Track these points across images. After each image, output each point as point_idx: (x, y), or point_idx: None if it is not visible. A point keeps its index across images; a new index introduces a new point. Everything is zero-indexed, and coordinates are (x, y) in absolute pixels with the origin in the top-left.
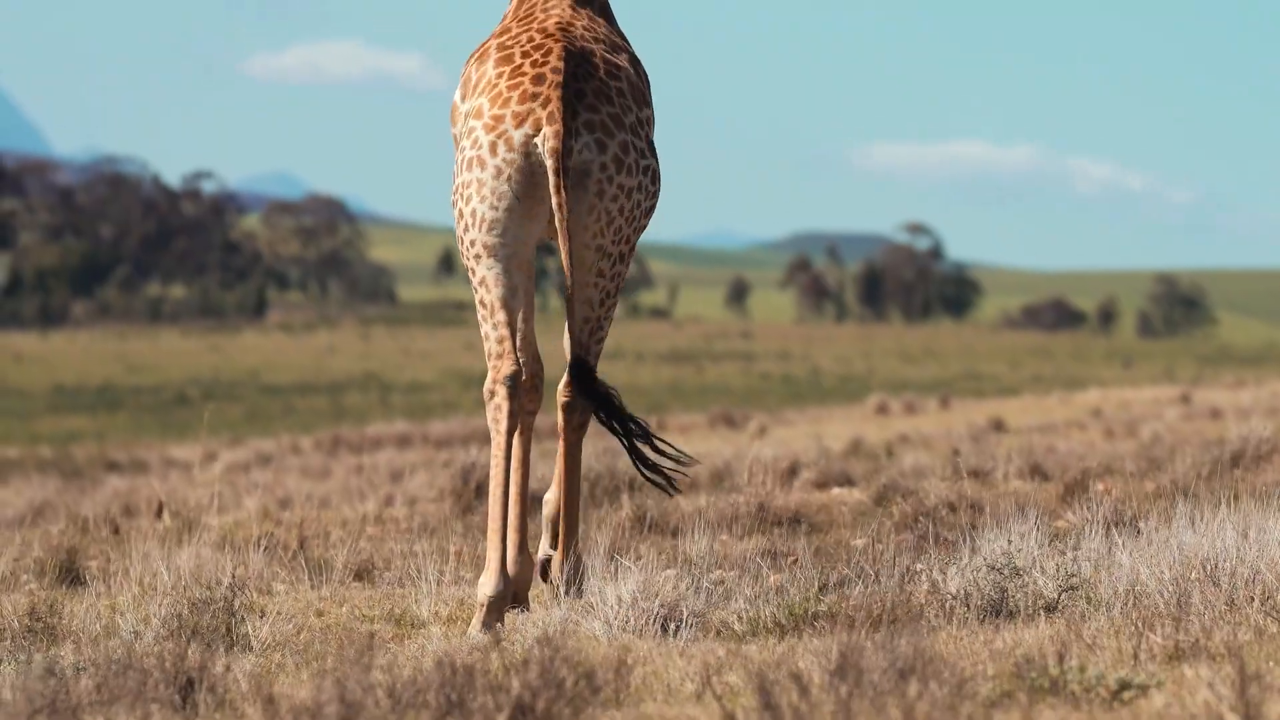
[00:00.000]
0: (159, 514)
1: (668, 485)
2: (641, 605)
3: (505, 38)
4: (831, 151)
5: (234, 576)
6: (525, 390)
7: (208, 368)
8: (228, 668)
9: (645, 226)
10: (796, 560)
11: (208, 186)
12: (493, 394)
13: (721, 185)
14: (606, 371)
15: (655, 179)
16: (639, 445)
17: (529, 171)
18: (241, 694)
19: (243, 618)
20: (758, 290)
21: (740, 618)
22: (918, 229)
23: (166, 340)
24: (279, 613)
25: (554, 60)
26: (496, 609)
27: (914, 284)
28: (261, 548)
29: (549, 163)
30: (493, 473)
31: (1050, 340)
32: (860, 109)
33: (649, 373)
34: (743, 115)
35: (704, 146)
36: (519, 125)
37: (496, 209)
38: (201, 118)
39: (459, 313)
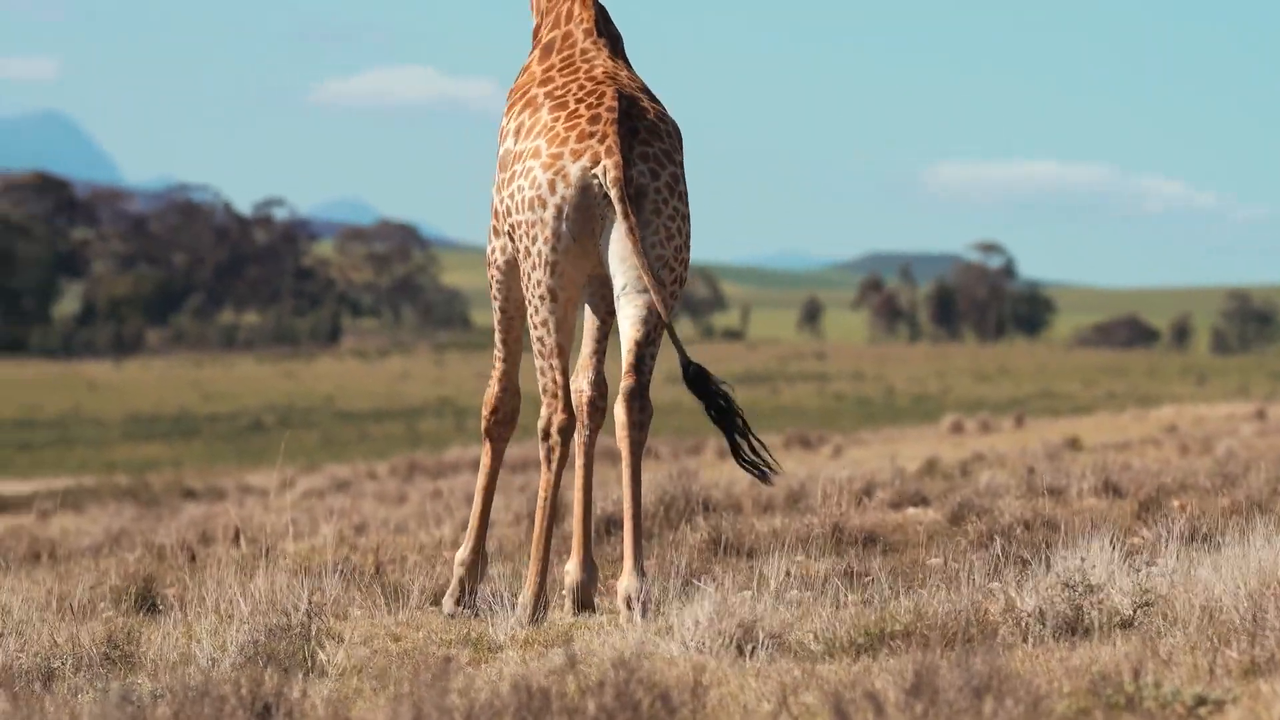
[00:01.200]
0: (235, 541)
1: (764, 474)
2: (717, 626)
3: (552, 87)
4: (903, 172)
5: (310, 602)
6: (587, 416)
7: (282, 395)
8: (304, 693)
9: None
10: (873, 580)
11: (279, 213)
12: (547, 435)
13: (794, 207)
14: (680, 394)
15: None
16: (739, 440)
17: (585, 208)
18: (318, 719)
19: (319, 643)
20: (831, 311)
21: (816, 638)
22: (990, 248)
23: (241, 367)
24: (355, 638)
25: (608, 100)
26: (531, 610)
27: (987, 303)
28: (338, 573)
29: (613, 192)
30: (544, 508)
31: (1124, 358)
32: (931, 130)
33: None
34: (814, 137)
35: (776, 168)
36: (576, 160)
37: (556, 250)
38: (272, 145)
39: None
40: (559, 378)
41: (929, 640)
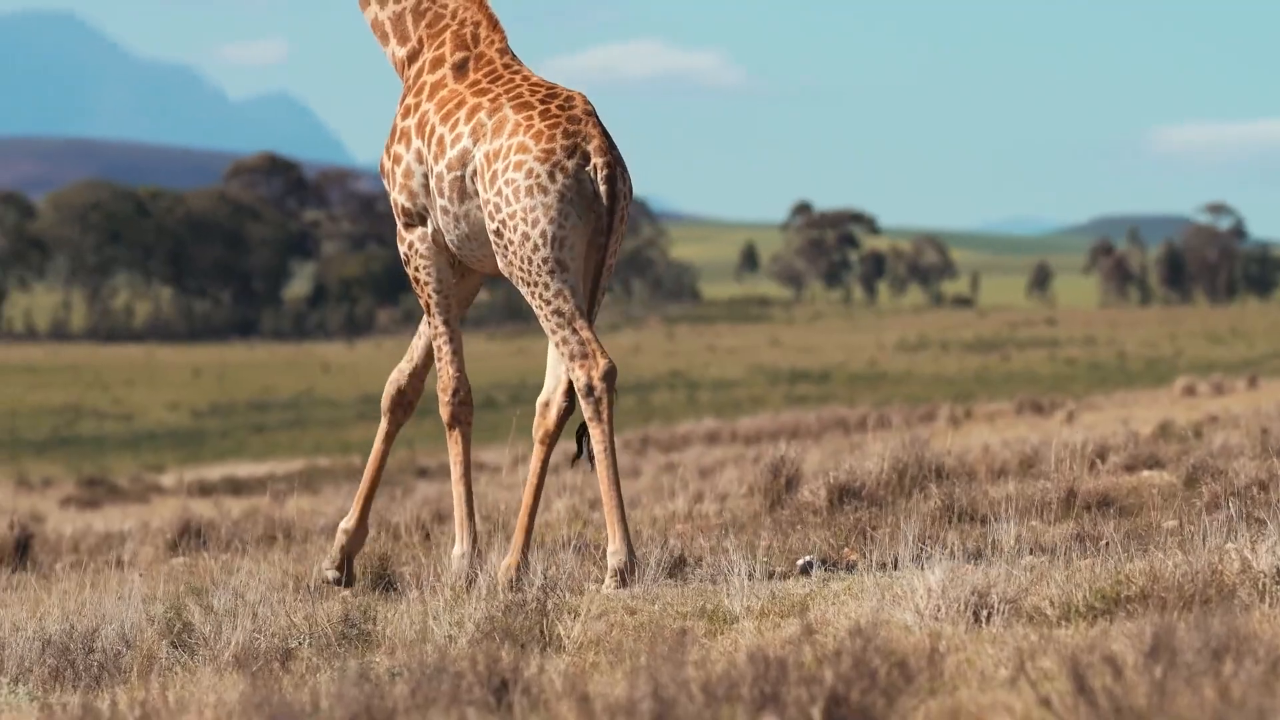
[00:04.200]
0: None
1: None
2: (952, 593)
3: (495, 94)
4: (1131, 134)
5: (545, 578)
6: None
7: (513, 371)
8: (541, 668)
9: None
10: (1107, 544)
11: None
12: (591, 389)
13: (1022, 172)
14: (912, 361)
15: None
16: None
17: (581, 194)
18: (555, 694)
19: (555, 618)
20: (1061, 276)
21: (1052, 603)
22: (1219, 209)
23: (472, 345)
24: (591, 612)
25: (580, 103)
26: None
27: (1217, 264)
28: (572, 548)
29: (604, 188)
30: (606, 460)
31: None
32: (1158, 91)
33: (954, 362)
34: (1042, 101)
35: (1004, 134)
36: (570, 156)
37: (564, 227)
38: None
39: (763, 309)
40: (585, 335)
41: (1165, 602)
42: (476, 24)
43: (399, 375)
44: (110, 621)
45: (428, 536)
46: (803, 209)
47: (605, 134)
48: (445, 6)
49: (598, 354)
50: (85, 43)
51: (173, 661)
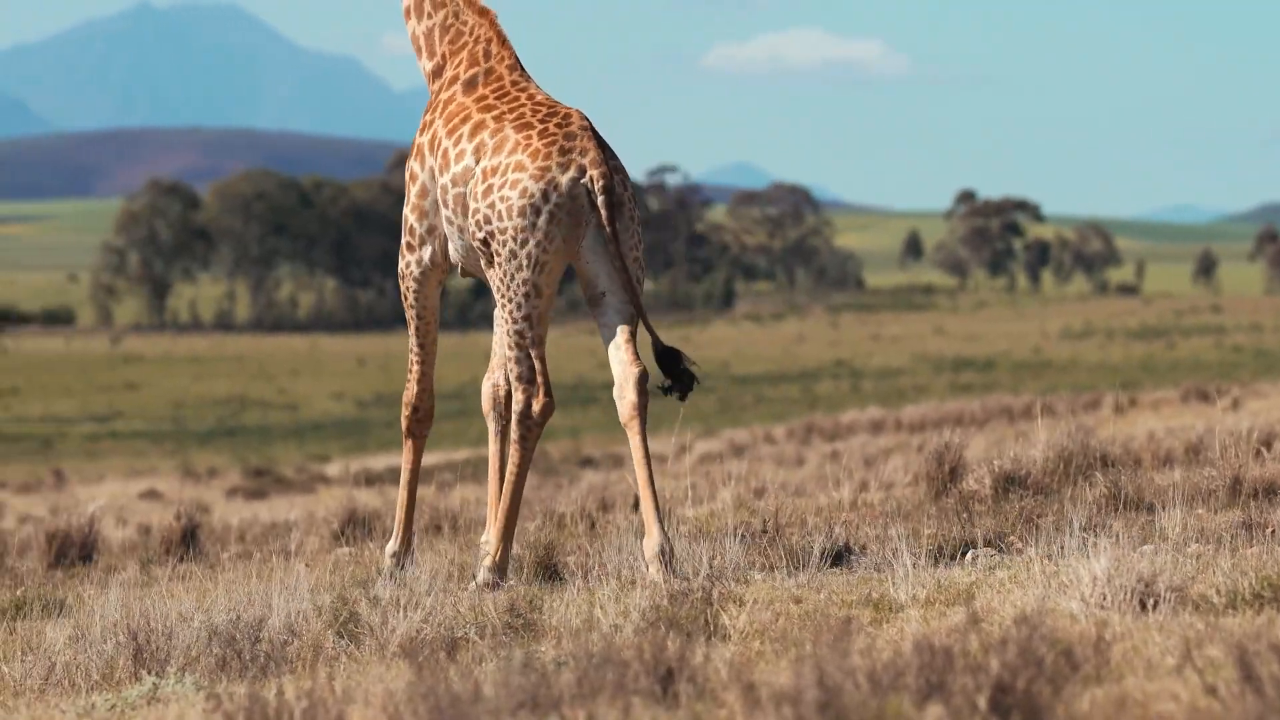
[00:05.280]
0: (634, 508)
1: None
2: (1118, 581)
3: (499, 111)
4: None
5: (711, 567)
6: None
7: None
8: (707, 657)
9: None
10: (1274, 532)
11: (671, 180)
12: (528, 415)
13: (1187, 159)
14: (1077, 349)
15: None
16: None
17: (574, 212)
18: (721, 683)
19: (721, 607)
20: (1226, 263)
21: (1218, 591)
22: None
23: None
24: (756, 601)
25: (577, 120)
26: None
27: None
28: (737, 537)
29: (601, 199)
30: (516, 479)
31: None
32: None
33: (1119, 350)
34: (1207, 89)
35: (1169, 121)
36: (565, 171)
37: (547, 252)
38: (664, 112)
39: (927, 297)
40: (538, 365)
41: None
42: (488, 40)
43: (494, 376)
44: (276, 611)
45: (593, 525)
46: (966, 197)
47: (601, 146)
48: (465, 24)
49: (543, 389)
50: (249, 34)
51: (339, 651)
